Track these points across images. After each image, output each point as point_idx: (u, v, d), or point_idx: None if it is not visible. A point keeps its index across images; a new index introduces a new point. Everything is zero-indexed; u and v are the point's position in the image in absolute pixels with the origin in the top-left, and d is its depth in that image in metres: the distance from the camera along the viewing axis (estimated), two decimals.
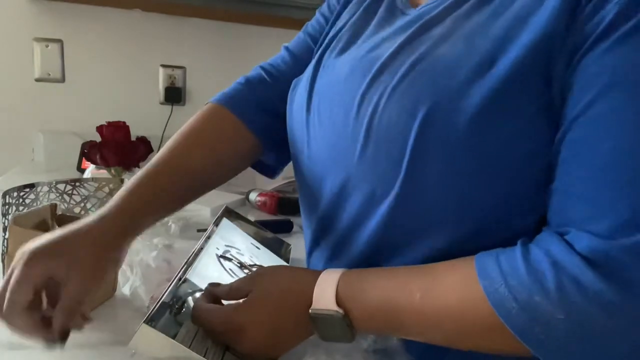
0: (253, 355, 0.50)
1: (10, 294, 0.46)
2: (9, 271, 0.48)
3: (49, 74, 1.52)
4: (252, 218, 0.81)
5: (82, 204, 0.83)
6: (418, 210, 0.48)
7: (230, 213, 0.76)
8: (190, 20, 1.61)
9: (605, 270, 0.37)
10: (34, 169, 1.47)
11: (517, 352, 0.41)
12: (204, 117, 0.69)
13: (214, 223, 0.69)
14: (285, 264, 0.75)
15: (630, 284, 0.36)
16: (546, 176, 0.44)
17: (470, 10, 0.47)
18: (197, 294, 0.54)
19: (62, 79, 1.55)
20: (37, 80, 1.52)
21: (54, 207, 0.66)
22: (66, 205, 0.82)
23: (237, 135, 0.69)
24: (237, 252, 0.67)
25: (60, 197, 0.81)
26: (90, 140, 1.18)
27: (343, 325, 0.46)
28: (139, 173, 0.61)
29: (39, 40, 1.50)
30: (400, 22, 0.55)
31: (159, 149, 1.58)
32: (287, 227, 1.05)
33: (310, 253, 0.63)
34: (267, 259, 0.73)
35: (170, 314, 0.49)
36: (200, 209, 1.12)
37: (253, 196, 1.24)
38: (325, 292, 0.47)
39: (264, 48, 1.73)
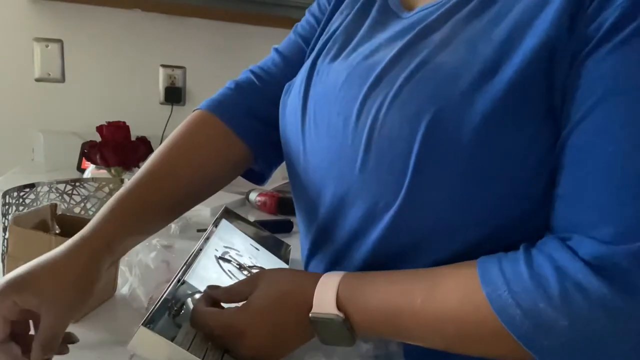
0: (252, 359, 0.50)
1: None
2: None
3: (49, 74, 1.52)
4: (252, 218, 0.81)
5: (82, 204, 0.83)
6: (422, 221, 0.47)
7: (229, 213, 0.76)
8: (190, 20, 1.61)
9: (609, 276, 0.37)
10: (34, 169, 1.47)
11: (520, 357, 0.41)
12: (192, 126, 0.66)
13: (213, 224, 0.69)
14: (285, 265, 0.75)
15: (634, 290, 0.36)
16: (550, 183, 0.44)
17: (470, 15, 0.46)
18: (196, 296, 0.54)
19: (62, 79, 1.55)
20: (37, 80, 1.52)
21: (54, 207, 0.66)
22: (66, 205, 0.82)
23: (227, 144, 0.65)
24: (236, 254, 0.67)
25: (60, 197, 0.81)
26: (90, 140, 1.18)
27: (344, 329, 0.46)
28: (121, 189, 0.57)
29: (39, 40, 1.50)
30: (396, 26, 0.53)
31: None
32: (287, 227, 1.06)
33: (307, 261, 0.62)
34: (267, 260, 0.72)
35: (169, 315, 0.49)
36: (201, 209, 1.12)
37: (253, 196, 1.24)
38: (325, 296, 0.47)
39: (264, 48, 1.73)
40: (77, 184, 0.84)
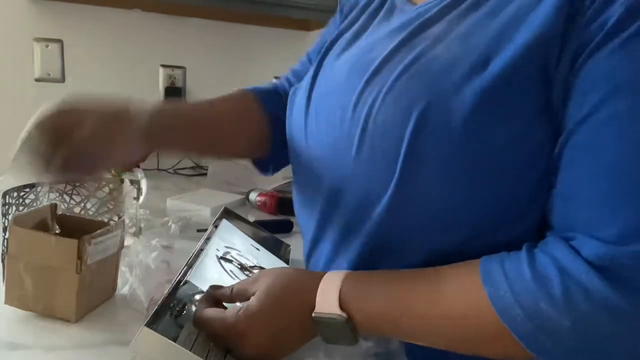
0: (255, 359, 0.50)
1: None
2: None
3: (49, 74, 1.52)
4: (252, 218, 0.81)
5: (82, 204, 0.83)
6: (414, 211, 0.47)
7: (228, 214, 0.76)
8: (190, 20, 1.61)
9: (612, 277, 0.37)
10: None
11: (522, 358, 0.41)
12: (232, 95, 0.75)
13: (213, 224, 0.69)
14: (285, 265, 0.75)
15: (636, 291, 0.36)
16: (543, 179, 0.44)
17: (466, 10, 0.47)
18: (198, 296, 0.54)
19: (62, 79, 1.55)
20: (37, 80, 1.52)
21: (54, 207, 0.66)
22: (66, 205, 0.82)
23: (255, 114, 0.73)
24: (238, 254, 0.67)
25: (60, 197, 0.81)
26: None
27: (346, 329, 0.46)
28: (179, 103, 0.69)
29: (39, 40, 1.50)
30: (398, 20, 0.54)
31: None
32: (287, 227, 1.05)
33: (309, 255, 0.63)
34: (267, 260, 0.72)
35: (170, 316, 0.49)
36: (201, 209, 1.12)
37: (253, 196, 1.24)
38: (328, 296, 0.47)
39: (264, 48, 1.73)
40: (77, 184, 0.84)
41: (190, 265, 0.57)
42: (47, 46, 1.50)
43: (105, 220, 0.81)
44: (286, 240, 0.86)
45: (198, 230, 0.97)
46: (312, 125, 0.58)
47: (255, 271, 0.65)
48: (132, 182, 0.87)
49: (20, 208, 0.73)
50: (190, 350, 0.46)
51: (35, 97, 1.53)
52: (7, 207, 0.70)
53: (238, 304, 0.52)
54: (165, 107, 0.65)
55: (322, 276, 0.49)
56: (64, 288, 0.57)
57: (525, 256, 0.41)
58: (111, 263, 0.64)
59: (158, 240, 0.78)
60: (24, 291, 0.58)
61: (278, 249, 0.79)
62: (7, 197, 0.71)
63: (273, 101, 0.74)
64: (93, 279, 0.60)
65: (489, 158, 0.43)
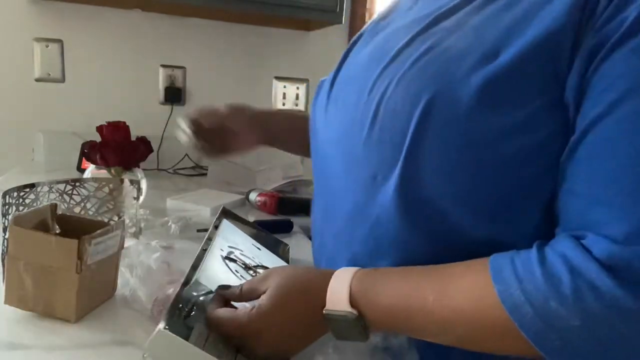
0: (265, 357, 0.50)
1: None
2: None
3: (49, 74, 1.53)
4: (252, 218, 0.81)
5: (82, 204, 0.83)
6: (417, 194, 0.48)
7: (227, 214, 0.76)
8: (190, 20, 1.61)
9: (623, 276, 0.36)
10: (34, 169, 1.47)
11: (532, 355, 0.40)
12: None
13: (214, 225, 0.69)
14: (286, 264, 0.75)
15: None
16: (545, 175, 0.44)
17: (482, 4, 0.48)
18: (202, 296, 0.54)
19: (62, 79, 1.55)
20: (37, 80, 1.53)
21: (54, 207, 0.66)
22: (66, 205, 0.82)
23: None
24: (241, 253, 0.67)
25: (60, 197, 0.81)
26: (90, 140, 1.18)
27: (357, 326, 0.46)
28: (291, 111, 0.86)
29: (39, 40, 1.50)
30: (418, 11, 0.56)
31: (159, 149, 1.59)
32: (287, 227, 1.05)
33: (315, 237, 0.66)
34: (269, 259, 0.73)
35: (179, 317, 0.49)
36: (201, 209, 1.12)
37: (253, 196, 1.24)
38: (338, 294, 0.47)
39: (264, 48, 1.73)
40: (77, 184, 0.84)
41: (195, 266, 0.57)
42: (47, 46, 1.51)
43: (105, 220, 0.81)
44: (286, 240, 0.86)
45: (198, 230, 0.97)
46: (332, 109, 0.61)
47: (260, 270, 0.65)
48: (132, 182, 0.87)
49: (20, 208, 0.73)
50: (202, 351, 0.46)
51: (35, 97, 1.53)
52: (7, 207, 0.70)
53: (246, 303, 0.52)
54: (273, 111, 0.87)
55: (332, 274, 0.49)
56: (64, 288, 0.57)
57: (536, 254, 0.41)
58: (111, 263, 0.64)
59: (158, 241, 0.78)
60: (24, 291, 0.58)
61: (277, 249, 0.79)
62: (7, 197, 0.71)
63: None
64: (93, 279, 0.60)
65: (490, 147, 0.44)
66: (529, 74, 0.42)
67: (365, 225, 0.53)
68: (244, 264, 0.64)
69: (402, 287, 0.46)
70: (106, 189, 0.84)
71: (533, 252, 0.41)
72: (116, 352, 0.53)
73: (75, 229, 0.63)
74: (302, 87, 1.77)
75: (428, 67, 0.47)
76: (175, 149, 1.64)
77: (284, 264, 0.75)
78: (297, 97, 1.78)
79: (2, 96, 1.50)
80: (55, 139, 1.54)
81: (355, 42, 0.66)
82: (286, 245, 0.83)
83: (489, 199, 0.46)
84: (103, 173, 1.16)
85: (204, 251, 0.61)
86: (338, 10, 1.44)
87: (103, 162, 1.11)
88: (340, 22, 1.48)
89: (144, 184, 1.02)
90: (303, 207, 1.26)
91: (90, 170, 1.21)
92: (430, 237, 0.49)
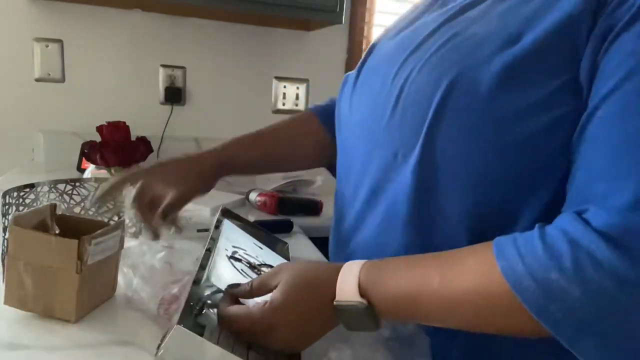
0: (279, 352, 0.50)
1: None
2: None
3: (49, 74, 1.53)
4: (252, 218, 0.81)
5: (82, 204, 0.83)
6: (436, 172, 0.50)
7: (227, 213, 0.76)
8: (190, 20, 1.61)
9: (622, 246, 0.37)
10: (34, 169, 1.47)
11: (536, 334, 0.41)
12: (298, 118, 0.90)
13: (214, 225, 0.70)
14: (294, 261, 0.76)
15: None
16: (558, 156, 0.45)
17: None
18: (215, 295, 0.54)
19: (62, 79, 1.55)
20: (37, 80, 1.53)
21: (53, 206, 0.66)
22: (66, 205, 0.82)
23: (318, 138, 0.86)
24: (245, 253, 0.67)
25: (60, 197, 0.81)
26: (90, 140, 1.18)
27: (367, 315, 0.47)
28: (245, 135, 0.84)
29: (39, 40, 1.50)
30: (447, 5, 0.58)
31: (159, 149, 1.59)
32: (287, 227, 1.05)
33: (339, 223, 0.69)
34: (271, 258, 0.73)
35: (191, 315, 0.49)
36: (201, 209, 1.12)
37: (253, 196, 1.24)
38: (347, 285, 0.48)
39: (264, 48, 1.73)
40: (77, 184, 0.84)
41: (204, 266, 0.57)
42: (47, 46, 1.51)
43: (106, 220, 0.81)
44: (286, 240, 0.86)
45: (198, 230, 0.97)
46: (357, 95, 0.64)
47: (264, 269, 0.65)
48: None
49: (20, 208, 0.73)
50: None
51: (35, 97, 1.53)
52: (7, 207, 0.70)
53: (257, 299, 0.52)
54: (230, 143, 0.82)
55: (341, 267, 0.51)
56: (64, 288, 0.57)
57: (537, 232, 0.42)
58: (111, 263, 0.64)
59: (158, 241, 0.78)
60: (24, 291, 0.58)
61: (276, 248, 0.79)
62: (7, 197, 0.71)
63: (332, 115, 0.83)
64: (93, 279, 0.60)
65: (508, 126, 0.46)
66: (548, 56, 0.44)
67: (382, 206, 0.56)
68: (249, 263, 0.64)
69: (409, 274, 0.47)
70: None
71: (535, 231, 0.42)
72: (116, 352, 0.53)
73: (75, 229, 0.63)
74: (302, 87, 1.77)
75: (451, 53, 0.50)
76: (175, 149, 1.64)
77: (285, 262, 0.75)
78: (297, 97, 1.78)
79: (2, 96, 1.50)
80: (55, 139, 1.54)
81: (380, 38, 0.69)
82: (285, 243, 0.83)
83: (501, 180, 0.48)
84: (103, 173, 1.17)
85: (209, 251, 0.61)
86: (338, 10, 1.44)
87: (103, 162, 1.11)
88: (340, 22, 1.48)
89: None
90: (303, 207, 1.26)
91: (90, 170, 1.21)
92: (438, 220, 0.51)
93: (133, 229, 0.85)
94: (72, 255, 0.56)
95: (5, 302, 0.59)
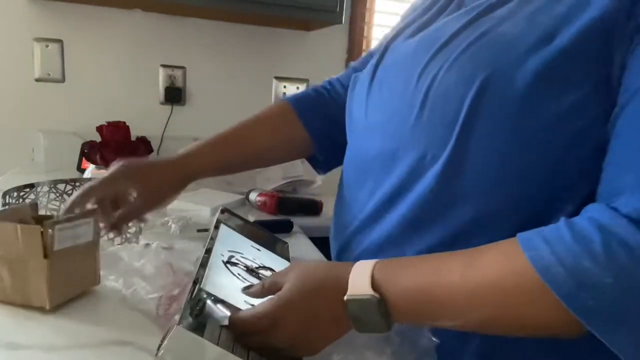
0: (282, 352, 0.49)
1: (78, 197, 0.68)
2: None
3: (49, 74, 1.53)
4: (252, 218, 0.81)
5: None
6: (466, 174, 0.49)
7: (225, 212, 0.76)
8: (190, 20, 1.61)
9: None
10: (34, 169, 1.47)
11: (564, 327, 0.40)
12: (272, 108, 0.87)
13: (214, 225, 0.70)
14: (287, 262, 0.75)
15: None
16: (593, 156, 0.44)
17: None
18: (214, 297, 0.54)
19: (62, 79, 1.55)
20: (37, 80, 1.53)
21: (34, 206, 0.67)
22: None
23: (294, 130, 0.84)
24: (241, 256, 0.67)
25: (60, 197, 0.81)
26: (90, 140, 1.18)
27: (379, 312, 0.45)
28: (211, 136, 0.80)
29: (39, 40, 1.50)
30: (467, 5, 0.57)
31: (159, 149, 1.59)
32: (287, 227, 1.05)
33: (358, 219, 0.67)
34: (270, 259, 0.73)
35: (191, 315, 0.49)
36: (200, 209, 1.12)
37: (253, 196, 1.24)
38: (360, 278, 0.46)
39: (264, 48, 1.73)
40: (77, 184, 0.84)
41: (204, 265, 0.57)
42: (47, 46, 1.51)
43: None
44: (286, 240, 0.86)
45: (198, 230, 0.97)
46: (375, 96, 0.63)
47: (262, 271, 0.65)
48: None
49: None
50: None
51: (35, 97, 1.53)
52: (7, 207, 0.71)
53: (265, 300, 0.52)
54: (198, 144, 0.80)
55: (353, 264, 0.49)
56: (35, 276, 0.58)
57: (564, 222, 0.41)
58: (88, 251, 0.64)
59: (158, 242, 0.79)
60: (2, 283, 0.59)
61: (275, 248, 0.79)
62: (7, 197, 0.71)
63: (310, 108, 0.84)
64: (67, 267, 0.61)
65: (543, 128, 0.45)
66: (583, 56, 0.44)
67: (402, 209, 0.55)
68: (246, 266, 0.64)
69: (426, 267, 0.46)
70: None
71: (561, 221, 0.41)
72: (116, 352, 0.53)
73: None
74: (302, 87, 1.77)
75: (482, 51, 0.49)
76: (175, 149, 1.64)
77: (286, 262, 0.75)
78: None
79: (2, 96, 1.50)
80: (55, 139, 1.54)
81: (392, 40, 0.67)
82: (285, 243, 0.83)
83: (537, 180, 0.47)
84: (103, 173, 1.16)
85: (208, 251, 0.61)
86: (338, 10, 1.44)
87: (103, 162, 1.12)
88: (340, 22, 1.48)
89: None
90: (303, 207, 1.26)
91: (90, 170, 1.21)
92: (463, 222, 0.50)
93: (133, 229, 0.85)
94: (37, 241, 0.57)
95: None
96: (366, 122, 0.63)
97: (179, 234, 0.95)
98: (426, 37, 0.58)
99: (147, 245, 0.75)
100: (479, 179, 0.48)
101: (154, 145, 1.42)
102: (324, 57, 1.77)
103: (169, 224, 0.97)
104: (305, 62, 1.76)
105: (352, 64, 0.86)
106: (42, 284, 0.58)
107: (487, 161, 0.48)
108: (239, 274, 0.61)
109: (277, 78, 1.75)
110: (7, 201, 0.71)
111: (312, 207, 1.26)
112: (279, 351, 0.49)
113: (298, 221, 1.10)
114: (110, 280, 0.67)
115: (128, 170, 0.73)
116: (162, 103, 1.64)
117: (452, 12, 0.61)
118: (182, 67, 1.64)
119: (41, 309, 0.59)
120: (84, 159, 1.39)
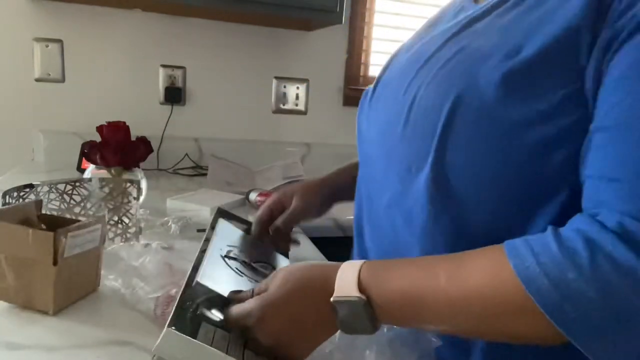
0: (272, 352, 0.49)
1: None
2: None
3: (49, 74, 1.53)
4: (252, 218, 0.81)
5: (82, 204, 0.83)
6: (446, 185, 0.51)
7: (223, 213, 0.76)
8: (190, 20, 1.61)
9: (638, 247, 0.36)
10: (34, 169, 1.47)
11: (546, 338, 0.40)
12: None
13: (210, 226, 0.70)
14: (286, 259, 0.76)
15: None
16: (568, 170, 0.45)
17: (509, 8, 0.52)
18: (209, 296, 0.54)
19: (62, 79, 1.55)
20: (37, 80, 1.53)
21: (38, 203, 0.66)
22: (66, 205, 0.82)
23: None
24: (240, 251, 0.67)
25: (60, 197, 0.81)
26: (90, 140, 1.18)
27: (365, 313, 0.45)
28: (349, 163, 0.86)
29: (39, 40, 1.50)
30: (457, 18, 0.59)
31: (159, 149, 1.59)
32: None
33: (359, 227, 0.70)
34: (269, 254, 0.73)
35: (185, 317, 0.49)
36: (200, 209, 1.12)
37: (253, 196, 1.24)
38: (346, 279, 0.47)
39: (264, 48, 1.73)
40: (77, 184, 0.84)
41: (196, 267, 0.57)
42: (47, 46, 1.51)
43: (106, 220, 0.81)
44: None
45: (198, 230, 0.97)
46: (373, 110, 0.66)
47: (259, 265, 0.65)
48: (132, 182, 0.87)
49: None
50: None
51: (35, 97, 1.53)
52: (10, 205, 0.70)
53: None
54: (333, 174, 0.88)
55: (341, 265, 0.49)
56: (42, 280, 0.58)
57: (551, 232, 0.41)
58: (92, 257, 0.65)
59: (158, 242, 0.78)
60: (5, 284, 0.59)
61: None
62: (7, 197, 0.71)
63: None
64: (72, 272, 0.61)
65: (515, 136, 0.46)
66: (550, 67, 0.45)
67: (400, 218, 0.57)
68: (244, 261, 0.64)
69: (412, 271, 0.46)
70: (106, 189, 0.84)
71: (548, 231, 0.41)
72: (116, 352, 0.53)
73: (61, 227, 0.63)
74: (302, 87, 1.77)
75: (458, 67, 0.52)
76: (175, 149, 1.64)
77: (283, 258, 0.75)
78: (297, 97, 1.78)
79: (2, 96, 1.50)
80: (55, 139, 1.54)
81: (399, 50, 0.70)
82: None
83: (511, 190, 0.48)
84: (103, 173, 1.16)
85: (203, 252, 0.61)
86: (338, 10, 1.44)
87: (103, 162, 1.11)
88: (340, 22, 1.48)
89: (143, 184, 1.02)
90: None
91: (90, 170, 1.21)
92: (452, 230, 0.51)
93: (133, 229, 0.85)
94: (48, 247, 0.57)
95: None
96: (368, 135, 0.66)
97: (178, 233, 0.95)
98: (416, 51, 0.61)
99: (147, 245, 0.75)
100: (461, 188, 0.50)
101: (154, 145, 1.42)
102: (324, 57, 1.77)
103: (169, 224, 0.97)
104: (305, 62, 1.76)
105: None
106: (49, 290, 0.58)
107: (466, 172, 0.49)
108: (237, 268, 0.61)
109: (277, 78, 1.75)
110: (7, 201, 0.71)
111: None
112: (274, 352, 0.49)
113: None
114: (109, 280, 0.68)
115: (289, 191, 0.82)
116: (162, 103, 1.64)
117: (450, 21, 0.63)
118: (182, 67, 1.64)
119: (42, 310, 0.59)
120: (84, 159, 1.39)
